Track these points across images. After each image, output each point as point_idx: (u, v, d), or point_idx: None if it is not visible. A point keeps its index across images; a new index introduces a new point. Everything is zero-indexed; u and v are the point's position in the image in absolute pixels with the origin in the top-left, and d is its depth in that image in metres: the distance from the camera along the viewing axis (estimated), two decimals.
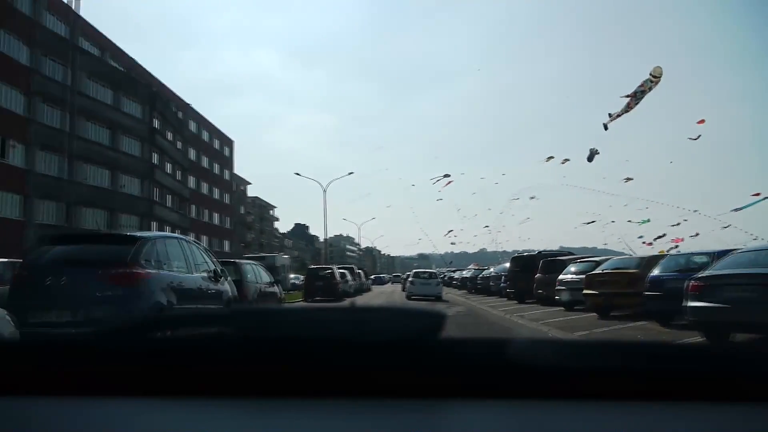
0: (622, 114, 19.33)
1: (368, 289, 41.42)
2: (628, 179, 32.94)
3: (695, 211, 33.68)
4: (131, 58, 40.72)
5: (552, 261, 18.10)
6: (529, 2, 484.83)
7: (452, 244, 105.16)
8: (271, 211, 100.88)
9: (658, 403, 0.78)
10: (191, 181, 51.39)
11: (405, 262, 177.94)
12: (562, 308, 15.68)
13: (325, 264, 38.82)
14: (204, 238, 53.71)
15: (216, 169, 59.05)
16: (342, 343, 0.84)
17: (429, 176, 44.78)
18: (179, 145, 48.34)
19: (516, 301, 20.29)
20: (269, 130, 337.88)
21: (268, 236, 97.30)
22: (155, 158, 42.08)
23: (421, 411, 0.77)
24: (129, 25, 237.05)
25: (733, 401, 0.78)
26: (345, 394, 0.79)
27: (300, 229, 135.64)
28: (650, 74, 18.61)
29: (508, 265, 27.85)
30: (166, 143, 43.91)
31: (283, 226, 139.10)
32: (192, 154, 52.25)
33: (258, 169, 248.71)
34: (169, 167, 45.29)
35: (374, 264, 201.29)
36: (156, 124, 42.50)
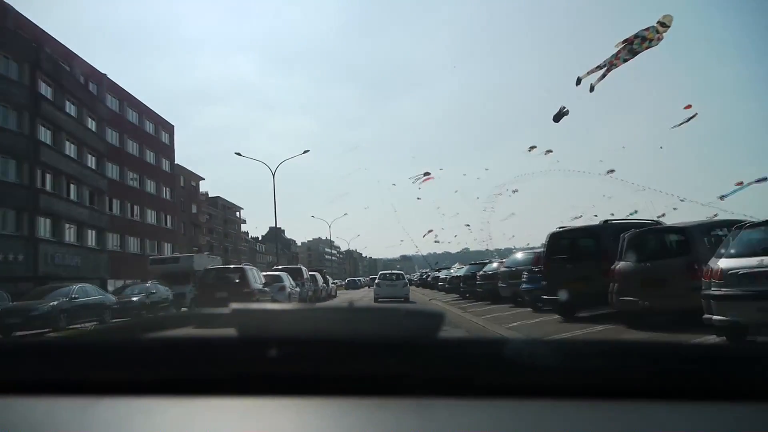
0: (606, 67, 15.87)
1: (330, 296, 32.13)
2: (610, 171, 32.79)
3: (683, 200, 34.56)
4: (6, 3, 30.68)
5: (652, 233, 8.68)
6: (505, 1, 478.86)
7: (436, 242, 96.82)
8: (237, 213, 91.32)
9: (658, 403, 0.77)
10: (112, 170, 41.33)
11: (388, 264, 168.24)
12: (716, 336, 6.37)
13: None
14: (132, 240, 43.62)
15: (150, 157, 48.67)
16: (341, 343, 0.83)
17: (409, 177, 40.20)
18: (92, 124, 38.33)
19: (558, 317, 11.00)
20: (248, 137, 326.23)
21: (234, 240, 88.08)
22: (46, 135, 32.00)
23: (421, 411, 0.77)
24: (102, 34, 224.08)
25: (733, 401, 0.77)
26: (344, 393, 0.79)
27: (275, 233, 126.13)
28: (658, 21, 15.28)
29: (519, 255, 18.46)
30: (64, 117, 33.73)
31: (260, 231, 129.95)
32: (113, 136, 42.13)
33: (236, 175, 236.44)
34: (73, 150, 35.20)
35: (356, 267, 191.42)
36: (48, 92, 32.54)
